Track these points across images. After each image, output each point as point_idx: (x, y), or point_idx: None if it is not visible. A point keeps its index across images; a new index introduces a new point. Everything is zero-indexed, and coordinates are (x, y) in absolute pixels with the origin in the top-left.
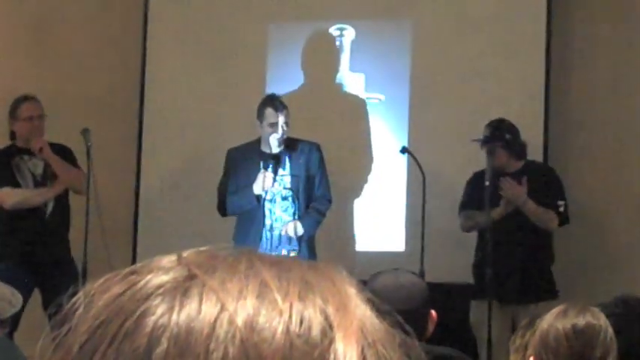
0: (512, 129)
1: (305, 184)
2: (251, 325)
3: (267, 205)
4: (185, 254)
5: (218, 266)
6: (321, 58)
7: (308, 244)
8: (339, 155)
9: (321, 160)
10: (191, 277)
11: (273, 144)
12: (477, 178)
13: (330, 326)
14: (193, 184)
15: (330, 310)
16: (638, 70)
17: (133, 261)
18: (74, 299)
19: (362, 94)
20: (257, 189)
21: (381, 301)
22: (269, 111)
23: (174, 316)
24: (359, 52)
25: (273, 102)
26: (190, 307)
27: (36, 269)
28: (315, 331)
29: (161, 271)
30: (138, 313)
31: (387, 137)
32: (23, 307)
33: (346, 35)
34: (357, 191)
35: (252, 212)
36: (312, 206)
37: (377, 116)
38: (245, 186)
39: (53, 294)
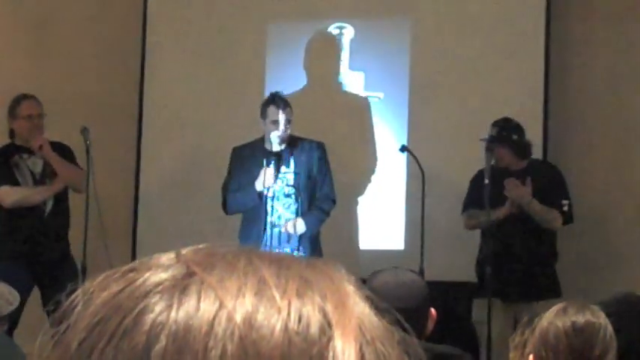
0: (519, 128)
1: (306, 182)
2: (249, 323)
3: (270, 202)
4: (184, 252)
5: (217, 264)
6: (321, 57)
7: (312, 243)
8: (339, 153)
9: (325, 159)
10: (190, 274)
11: (275, 141)
12: (481, 176)
13: (329, 324)
14: (193, 183)
15: (329, 308)
16: (637, 70)
17: (133, 259)
18: (73, 296)
19: (361, 93)
20: (259, 185)
21: (381, 299)
22: (271, 108)
23: (173, 314)
24: (358, 51)
25: (276, 100)
26: (189, 305)
27: (35, 268)
28: (314, 329)
29: (160, 269)
30: (136, 311)
31: (387, 136)
32: (23, 305)
33: (346, 34)
34: (358, 189)
35: (255, 210)
36: (316, 205)
37: (376, 115)
38: (248, 183)
39: (53, 292)
